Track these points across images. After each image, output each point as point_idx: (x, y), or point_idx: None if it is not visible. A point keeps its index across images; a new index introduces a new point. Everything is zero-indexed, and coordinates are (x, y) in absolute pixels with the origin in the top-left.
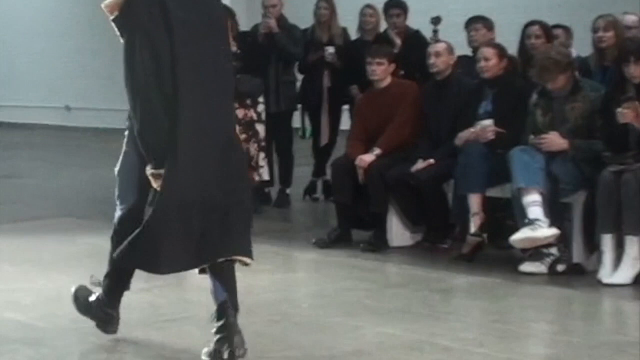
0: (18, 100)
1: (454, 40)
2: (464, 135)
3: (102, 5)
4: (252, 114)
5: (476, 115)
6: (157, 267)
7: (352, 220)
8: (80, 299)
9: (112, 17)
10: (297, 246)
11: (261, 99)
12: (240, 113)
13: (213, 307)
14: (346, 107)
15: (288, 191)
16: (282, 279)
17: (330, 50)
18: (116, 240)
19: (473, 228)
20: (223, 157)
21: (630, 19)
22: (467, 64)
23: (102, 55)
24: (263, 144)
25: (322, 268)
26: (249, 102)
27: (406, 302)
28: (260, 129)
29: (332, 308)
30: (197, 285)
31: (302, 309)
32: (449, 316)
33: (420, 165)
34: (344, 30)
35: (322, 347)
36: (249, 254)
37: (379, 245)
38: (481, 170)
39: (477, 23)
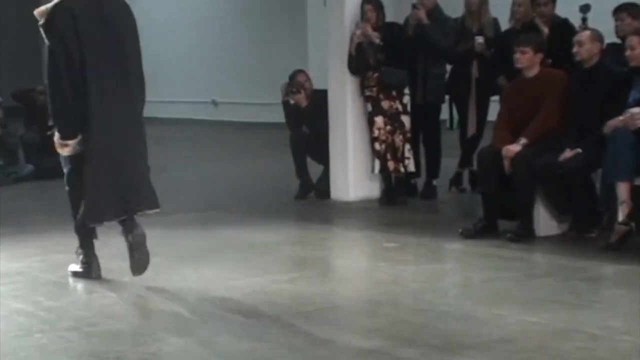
0: (166, 96)
1: (604, 28)
2: (613, 123)
3: (35, 12)
4: (397, 105)
5: (625, 103)
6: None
7: (498, 210)
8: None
9: (40, 23)
10: (443, 237)
11: (406, 90)
12: (385, 104)
13: (358, 299)
14: (494, 97)
15: (434, 182)
16: (428, 269)
17: (479, 39)
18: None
19: (621, 216)
20: (129, 131)
21: None
22: (616, 51)
23: (247, 50)
24: (408, 135)
25: (467, 258)
26: (394, 93)
27: (552, 290)
28: (406, 120)
29: (478, 297)
30: (342, 276)
31: (448, 298)
32: (595, 304)
33: (567, 154)
34: (495, 20)
35: (468, 335)
36: (157, 204)
37: (525, 234)
38: (629, 157)
39: (623, 12)
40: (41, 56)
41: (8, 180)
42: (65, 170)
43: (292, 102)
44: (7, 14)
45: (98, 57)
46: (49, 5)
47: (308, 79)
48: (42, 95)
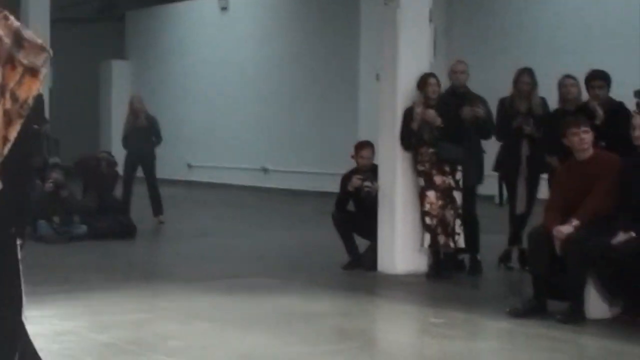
0: (216, 161)
1: None
2: None
3: None
4: (449, 180)
5: None
6: None
7: (548, 290)
8: None
9: None
10: (491, 314)
11: (459, 166)
12: (438, 179)
13: None
14: (544, 175)
15: (478, 257)
16: (475, 347)
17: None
18: None
19: None
20: None
21: None
22: None
23: (299, 120)
24: (459, 210)
25: (515, 338)
26: (447, 168)
27: None
28: (457, 196)
29: None
30: (387, 350)
31: None
32: None
33: (620, 237)
34: (543, 99)
35: None
36: None
37: (575, 316)
38: None
39: None
40: (99, 123)
41: (61, 239)
42: None
43: (367, 190)
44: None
45: None
46: None
47: (373, 153)
48: (104, 162)
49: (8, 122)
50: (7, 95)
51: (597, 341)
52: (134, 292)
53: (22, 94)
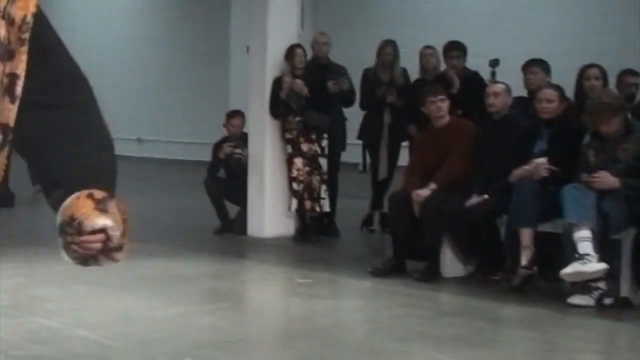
0: None
1: (509, 82)
2: (518, 172)
3: None
4: (316, 147)
5: (531, 153)
6: None
7: (407, 250)
8: None
9: None
10: (354, 274)
11: (325, 134)
12: (304, 147)
13: (271, 332)
14: (405, 143)
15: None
16: (339, 305)
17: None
18: None
19: (524, 261)
20: None
21: None
22: (522, 104)
23: (177, 92)
24: (325, 176)
25: (377, 296)
26: (313, 136)
27: (458, 330)
28: (323, 162)
29: (386, 334)
30: (257, 308)
31: (358, 334)
32: (498, 344)
33: (474, 200)
34: (404, 70)
35: None
36: None
37: (431, 275)
38: (533, 205)
39: (535, 66)
40: None
41: None
42: None
43: (238, 157)
44: None
45: None
46: None
47: (244, 121)
48: None
49: (9, 55)
50: None
51: (452, 298)
52: (12, 258)
53: (17, 12)
